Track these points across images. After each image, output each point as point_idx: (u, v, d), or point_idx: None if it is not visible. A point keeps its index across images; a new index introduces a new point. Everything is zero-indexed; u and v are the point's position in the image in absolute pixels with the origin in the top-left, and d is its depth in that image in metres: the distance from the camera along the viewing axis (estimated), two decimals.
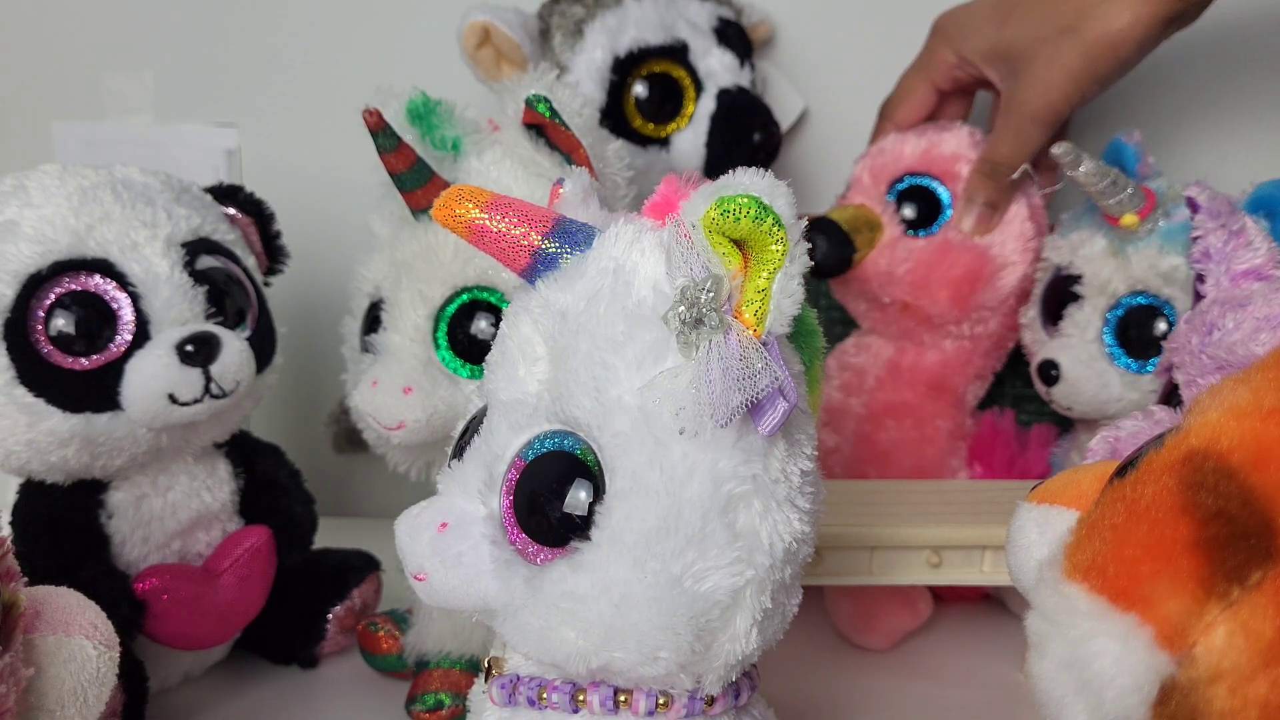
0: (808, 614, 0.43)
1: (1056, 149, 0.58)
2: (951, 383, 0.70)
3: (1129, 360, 0.62)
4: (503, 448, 0.36)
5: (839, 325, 0.74)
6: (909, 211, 0.68)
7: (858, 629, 0.63)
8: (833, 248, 0.66)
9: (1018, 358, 0.71)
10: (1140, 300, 0.62)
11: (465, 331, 0.53)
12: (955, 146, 0.68)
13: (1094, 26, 0.60)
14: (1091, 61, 0.60)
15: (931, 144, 0.68)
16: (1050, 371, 0.64)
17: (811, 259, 0.63)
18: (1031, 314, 0.68)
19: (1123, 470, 0.31)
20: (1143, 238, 0.61)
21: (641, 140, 0.71)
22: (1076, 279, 0.64)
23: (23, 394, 0.48)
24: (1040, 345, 0.66)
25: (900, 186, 0.68)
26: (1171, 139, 0.79)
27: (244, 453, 0.58)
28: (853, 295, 0.71)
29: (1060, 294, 0.65)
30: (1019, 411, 0.72)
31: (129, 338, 0.50)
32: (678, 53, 0.70)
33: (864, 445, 0.70)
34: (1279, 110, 0.78)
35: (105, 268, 0.49)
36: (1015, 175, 0.64)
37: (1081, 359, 0.63)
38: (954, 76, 0.68)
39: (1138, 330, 0.62)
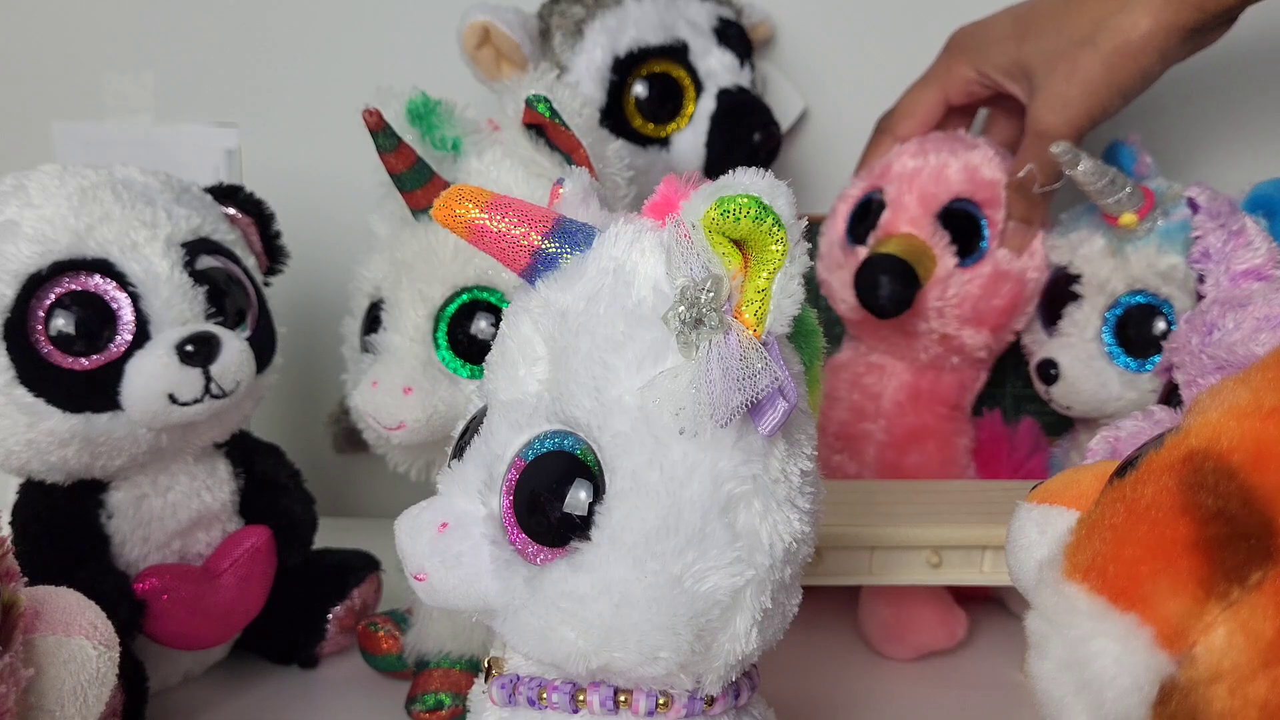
0: (808, 614, 0.42)
1: (1055, 148, 0.58)
2: (964, 401, 0.70)
3: (1128, 359, 0.62)
4: (503, 448, 0.36)
5: (839, 325, 0.74)
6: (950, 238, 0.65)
7: (889, 638, 0.61)
8: (901, 288, 0.61)
9: (1019, 358, 0.71)
10: (1139, 299, 0.62)
11: (465, 331, 0.53)
12: (993, 170, 0.66)
13: (1111, 37, 0.58)
14: (1111, 72, 0.59)
15: (969, 165, 0.66)
16: (1049, 371, 0.64)
17: (877, 300, 0.63)
18: (1030, 313, 0.68)
19: (1123, 470, 0.31)
20: (1141, 237, 0.61)
21: (641, 140, 0.71)
22: (1075, 278, 0.64)
23: (23, 394, 0.48)
24: (1039, 344, 0.66)
25: (940, 211, 0.66)
26: (1170, 140, 0.79)
27: (244, 453, 0.58)
28: (880, 323, 0.67)
29: (1059, 293, 0.65)
30: (1019, 412, 0.72)
31: (129, 338, 0.50)
32: (678, 53, 0.70)
33: (889, 472, 0.69)
34: (1278, 111, 0.78)
35: (105, 268, 0.49)
36: (1021, 174, 0.64)
37: (1080, 358, 0.63)
38: (970, 92, 0.67)
39: (1136, 329, 0.62)
